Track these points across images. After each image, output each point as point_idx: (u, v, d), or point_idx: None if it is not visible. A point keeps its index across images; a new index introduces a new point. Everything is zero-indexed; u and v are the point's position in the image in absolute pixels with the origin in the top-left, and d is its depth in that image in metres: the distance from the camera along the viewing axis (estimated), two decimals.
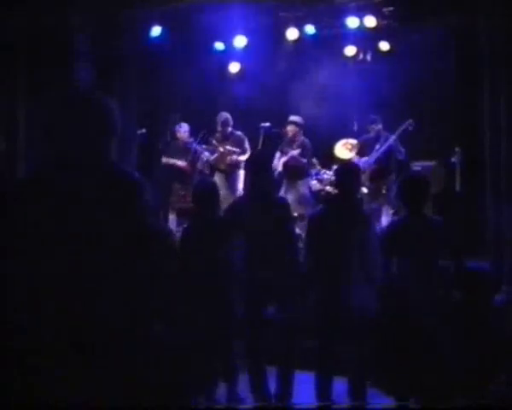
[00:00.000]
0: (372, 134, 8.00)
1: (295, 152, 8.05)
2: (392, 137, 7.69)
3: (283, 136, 8.24)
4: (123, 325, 2.22)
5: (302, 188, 8.11)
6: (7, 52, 6.54)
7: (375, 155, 7.79)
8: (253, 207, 4.86)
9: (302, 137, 8.18)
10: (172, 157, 8.26)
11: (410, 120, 7.69)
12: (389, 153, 7.74)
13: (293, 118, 8.19)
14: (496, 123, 6.27)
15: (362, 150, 8.09)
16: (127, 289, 2.24)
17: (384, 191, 7.70)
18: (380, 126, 7.91)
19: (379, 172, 7.80)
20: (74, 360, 2.17)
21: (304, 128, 8.20)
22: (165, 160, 8.29)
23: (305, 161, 8.10)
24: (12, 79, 6.73)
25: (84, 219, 2.21)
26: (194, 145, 8.25)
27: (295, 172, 8.11)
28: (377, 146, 7.83)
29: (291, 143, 8.14)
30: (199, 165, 8.28)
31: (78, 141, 2.34)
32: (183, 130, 8.32)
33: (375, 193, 7.75)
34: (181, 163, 8.22)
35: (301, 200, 7.92)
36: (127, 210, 2.29)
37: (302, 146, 8.10)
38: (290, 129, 8.13)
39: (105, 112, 2.39)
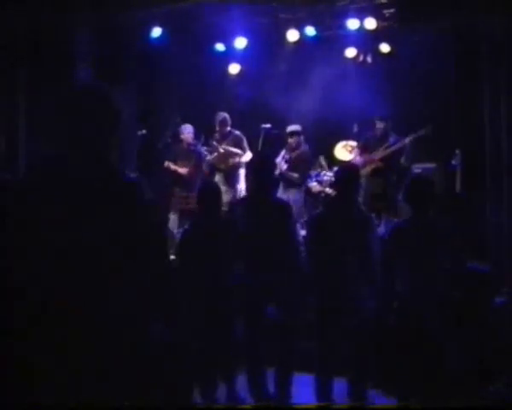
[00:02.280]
0: (378, 132, 7.81)
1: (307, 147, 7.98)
2: (408, 139, 7.51)
3: (285, 146, 8.10)
4: (124, 325, 2.20)
5: (295, 195, 8.03)
6: (7, 52, 6.55)
7: (381, 153, 7.67)
8: (255, 208, 4.86)
9: (303, 146, 8.04)
10: (175, 160, 8.16)
11: (423, 130, 7.50)
12: (398, 154, 7.62)
13: (292, 128, 7.94)
14: (496, 125, 6.29)
15: (364, 149, 7.93)
16: (128, 288, 2.22)
17: (388, 194, 7.55)
18: (385, 124, 7.71)
19: (383, 170, 7.67)
20: (74, 360, 2.16)
21: (304, 134, 8.07)
22: (166, 164, 8.16)
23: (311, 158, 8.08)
24: (12, 79, 6.74)
25: (83, 219, 2.18)
26: (199, 147, 8.17)
27: (300, 169, 8.02)
28: (385, 144, 7.68)
29: (291, 151, 8.03)
30: (204, 166, 8.21)
31: (79, 136, 2.28)
32: (187, 131, 8.19)
33: (376, 193, 7.60)
34: (182, 170, 8.12)
35: (298, 204, 7.84)
36: (127, 210, 2.25)
37: (304, 155, 8.03)
38: (293, 141, 7.91)
39: (107, 106, 2.33)
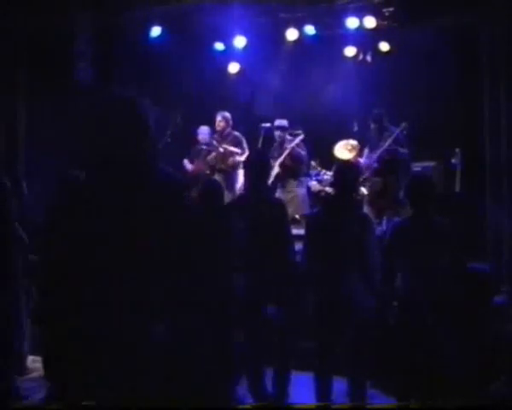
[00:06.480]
0: (372, 132, 7.85)
1: (296, 141, 8.00)
2: (387, 143, 7.58)
3: (273, 144, 8.20)
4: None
5: (299, 188, 8.07)
6: (8, 52, 6.56)
7: (377, 153, 7.69)
8: (251, 207, 4.86)
9: (289, 138, 8.13)
10: (192, 159, 8.46)
11: (404, 124, 7.61)
12: (388, 154, 7.65)
13: (279, 122, 8.14)
14: (496, 124, 6.29)
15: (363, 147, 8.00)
16: (165, 287, 2.31)
17: (390, 192, 7.57)
18: (376, 125, 7.77)
19: (381, 171, 7.68)
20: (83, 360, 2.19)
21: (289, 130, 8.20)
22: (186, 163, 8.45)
23: (304, 153, 8.09)
24: (13, 79, 6.75)
25: (129, 220, 2.25)
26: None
27: (295, 168, 8.07)
28: (381, 143, 7.72)
29: (281, 146, 8.10)
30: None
31: (117, 143, 2.37)
32: (201, 133, 8.47)
33: (379, 192, 7.61)
34: (197, 168, 8.32)
35: (300, 200, 7.89)
36: (170, 209, 2.33)
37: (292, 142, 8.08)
38: (278, 134, 8.11)
39: (139, 113, 2.42)
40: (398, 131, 7.56)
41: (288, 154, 7.97)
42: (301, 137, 8.04)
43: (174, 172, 2.50)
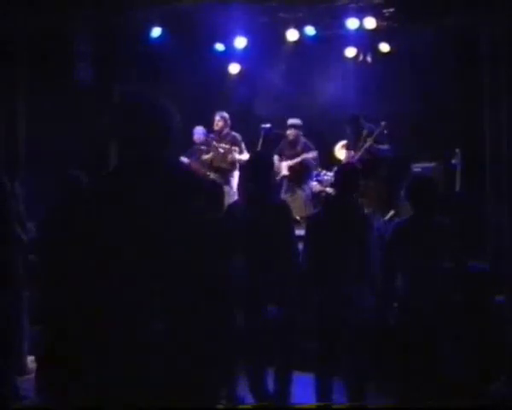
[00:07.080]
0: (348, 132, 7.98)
1: (310, 155, 8.06)
2: (367, 145, 7.59)
3: (283, 139, 8.24)
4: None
5: (303, 190, 8.09)
6: (8, 52, 6.56)
7: (358, 154, 7.71)
8: (252, 209, 4.84)
9: (304, 140, 8.18)
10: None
11: (383, 123, 7.63)
12: (369, 153, 7.66)
13: (292, 121, 8.18)
14: (496, 124, 6.29)
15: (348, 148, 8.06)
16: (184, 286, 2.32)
17: (373, 193, 7.55)
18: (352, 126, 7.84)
19: (362, 172, 7.66)
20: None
21: (303, 129, 8.22)
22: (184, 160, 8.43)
23: (315, 163, 8.12)
24: (13, 79, 6.75)
25: (129, 220, 2.27)
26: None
27: (303, 174, 8.10)
28: (360, 143, 7.76)
29: (293, 146, 8.14)
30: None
31: (140, 143, 2.40)
32: (197, 132, 8.51)
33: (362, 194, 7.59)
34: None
35: (303, 202, 7.90)
36: (188, 204, 2.36)
37: (307, 148, 8.12)
38: (291, 132, 8.13)
39: (160, 114, 2.46)
40: (377, 131, 7.57)
41: (300, 162, 8.04)
42: (315, 153, 8.11)
43: (189, 169, 2.55)
